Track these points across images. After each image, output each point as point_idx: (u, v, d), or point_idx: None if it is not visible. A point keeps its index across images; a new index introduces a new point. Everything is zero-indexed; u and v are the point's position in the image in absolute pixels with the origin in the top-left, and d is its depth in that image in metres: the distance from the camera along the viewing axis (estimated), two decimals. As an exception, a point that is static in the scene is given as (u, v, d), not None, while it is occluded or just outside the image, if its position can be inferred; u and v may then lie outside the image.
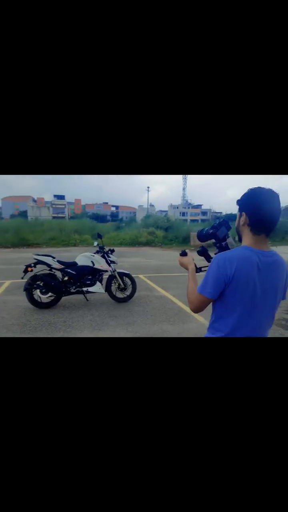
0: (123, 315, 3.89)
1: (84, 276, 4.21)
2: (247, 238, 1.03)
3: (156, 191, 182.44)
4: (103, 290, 4.25)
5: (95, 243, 4.48)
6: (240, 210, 1.03)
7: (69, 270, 4.10)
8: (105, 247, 4.46)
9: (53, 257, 4.12)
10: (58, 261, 4.10)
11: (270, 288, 1.01)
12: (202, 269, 1.20)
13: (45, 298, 4.01)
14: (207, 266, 1.07)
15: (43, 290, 3.96)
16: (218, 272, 0.98)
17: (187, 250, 1.29)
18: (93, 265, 4.21)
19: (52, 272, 4.14)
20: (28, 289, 3.91)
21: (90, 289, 4.16)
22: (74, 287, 4.10)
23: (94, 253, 4.38)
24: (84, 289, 4.14)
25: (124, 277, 4.46)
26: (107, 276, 4.41)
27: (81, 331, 3.28)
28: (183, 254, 1.28)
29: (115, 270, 4.37)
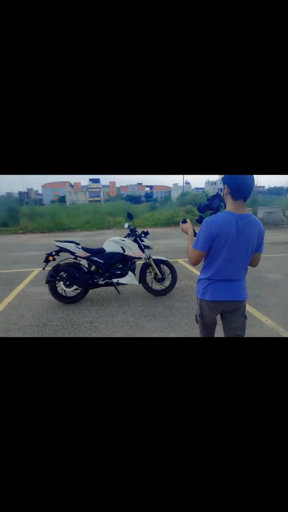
0: (162, 314, 3.15)
1: (114, 264, 3.52)
2: (229, 204, 1.42)
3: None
4: (136, 282, 3.54)
5: (126, 225, 3.73)
6: (224, 183, 1.42)
7: (95, 259, 3.44)
8: (137, 229, 3.68)
9: (77, 244, 3.48)
10: (83, 248, 3.46)
11: (244, 242, 1.42)
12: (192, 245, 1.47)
13: (70, 291, 3.44)
14: None
15: (67, 283, 3.38)
16: (206, 231, 1.40)
17: (187, 219, 1.68)
18: (124, 251, 3.49)
19: (78, 261, 3.52)
20: (51, 281, 3.36)
21: (120, 280, 3.48)
22: (102, 278, 3.45)
23: (125, 237, 3.64)
24: (114, 280, 3.46)
25: (161, 265, 3.68)
26: (141, 264, 3.67)
27: (110, 335, 2.63)
28: (184, 222, 1.68)
29: (150, 257, 3.60)
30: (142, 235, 3.67)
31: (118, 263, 3.54)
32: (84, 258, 3.45)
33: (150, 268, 3.66)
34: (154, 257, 3.66)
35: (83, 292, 3.48)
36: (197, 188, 50.89)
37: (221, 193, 1.51)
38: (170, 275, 3.69)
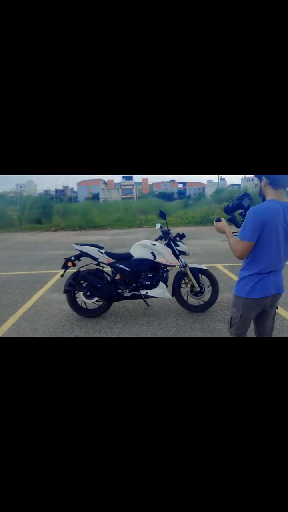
0: (200, 339, 2.51)
1: (142, 273, 2.95)
2: (271, 195, 1.40)
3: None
4: (168, 295, 2.93)
5: (158, 226, 3.13)
6: (259, 177, 1.43)
7: (121, 266, 2.89)
8: (171, 231, 3.05)
9: (100, 248, 2.97)
10: (107, 253, 2.94)
11: None
12: (233, 233, 1.49)
13: (91, 303, 2.94)
14: (237, 232, 1.45)
15: (88, 293, 2.89)
16: (256, 219, 1.34)
17: (221, 217, 1.64)
18: (154, 257, 2.89)
19: (101, 268, 3.02)
20: (69, 291, 2.90)
21: (150, 292, 2.90)
22: (128, 289, 2.90)
23: (156, 240, 3.05)
24: (142, 292, 2.89)
25: (199, 275, 3.02)
26: (175, 274, 3.05)
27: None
28: (218, 220, 1.64)
29: (186, 265, 2.96)
30: (177, 238, 3.04)
31: (148, 272, 2.96)
32: (107, 264, 2.93)
33: (186, 278, 3.03)
34: (191, 265, 3.01)
35: (105, 304, 2.97)
36: (232, 185, 48.42)
37: (256, 187, 1.49)
38: (210, 287, 3.02)
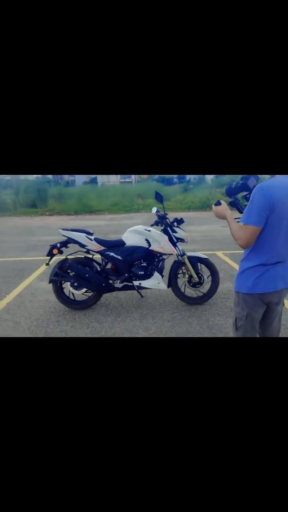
0: (197, 334, 2.28)
1: (135, 262, 2.68)
2: None
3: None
4: (164, 286, 2.68)
5: (154, 210, 2.83)
6: None
7: (112, 254, 2.62)
8: (168, 216, 2.76)
9: (89, 234, 2.68)
10: (97, 240, 2.66)
11: None
12: (236, 219, 1.24)
13: (80, 294, 2.70)
14: (239, 218, 1.20)
15: (75, 284, 2.63)
16: (263, 199, 1.07)
17: (221, 200, 1.36)
18: (149, 245, 2.62)
19: (90, 256, 2.75)
20: (55, 281, 2.64)
21: (144, 283, 2.65)
22: (119, 279, 2.64)
23: (152, 225, 2.76)
24: (135, 283, 2.64)
25: (198, 264, 2.76)
26: (171, 263, 2.79)
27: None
28: (218, 203, 1.36)
29: (183, 254, 2.69)
30: (175, 224, 2.75)
31: (142, 261, 2.69)
32: (97, 252, 2.66)
33: (183, 268, 2.77)
34: (189, 253, 2.74)
35: (95, 296, 2.72)
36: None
37: None
38: (209, 278, 2.77)
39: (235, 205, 1.41)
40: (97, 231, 7.63)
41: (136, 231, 2.66)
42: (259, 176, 1.37)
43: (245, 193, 1.36)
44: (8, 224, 8.98)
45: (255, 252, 1.22)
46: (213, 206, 1.38)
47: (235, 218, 1.28)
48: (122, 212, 12.87)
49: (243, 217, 1.17)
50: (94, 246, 2.62)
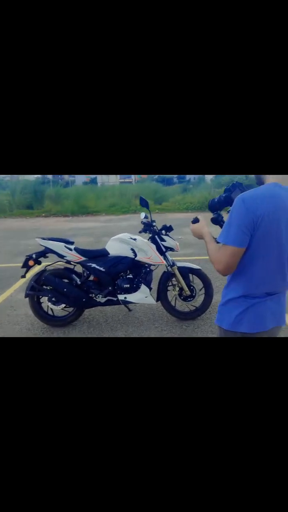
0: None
1: (120, 274, 2.43)
2: (271, 177, 0.90)
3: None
4: (152, 300, 2.43)
5: (142, 215, 2.58)
6: None
7: (94, 265, 2.37)
8: (155, 223, 2.50)
9: (69, 243, 2.44)
10: (77, 250, 2.41)
11: None
12: (217, 239, 1.04)
13: (59, 309, 2.45)
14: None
15: (53, 299, 2.38)
16: (245, 212, 0.85)
17: (199, 217, 1.17)
18: (135, 255, 2.37)
19: (71, 267, 2.50)
20: (31, 296, 2.39)
21: (129, 297, 2.39)
22: (102, 293, 2.39)
23: (140, 232, 2.52)
24: (121, 297, 2.39)
25: (190, 275, 2.51)
26: (161, 274, 2.54)
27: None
28: (195, 221, 1.16)
29: (173, 264, 2.44)
30: (163, 232, 2.50)
31: (127, 272, 2.44)
32: (77, 263, 2.41)
33: (173, 279, 2.52)
34: (179, 263, 2.49)
35: (75, 311, 2.47)
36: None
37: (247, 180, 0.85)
38: (202, 290, 2.52)
39: (218, 222, 1.15)
40: (91, 233, 7.43)
41: (121, 240, 2.41)
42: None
43: (229, 208, 1.13)
44: (2, 226, 8.76)
45: (237, 280, 0.96)
46: (190, 224, 1.15)
47: (216, 238, 1.05)
48: (119, 213, 12.64)
49: (220, 235, 0.92)
50: (73, 256, 2.37)
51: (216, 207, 1.19)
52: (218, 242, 0.98)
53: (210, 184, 18.35)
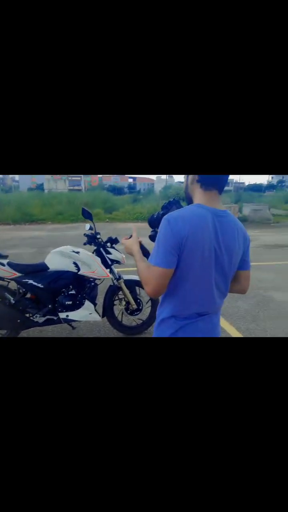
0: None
1: (62, 290, 2.24)
2: (199, 196, 0.92)
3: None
4: (97, 316, 2.30)
5: (87, 227, 2.45)
6: None
7: (31, 282, 2.14)
8: (100, 235, 2.40)
9: (2, 257, 2.16)
10: (11, 265, 2.15)
11: (226, 251, 0.89)
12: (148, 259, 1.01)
13: (-11, 333, 2.13)
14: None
15: (-19, 321, 2.07)
16: (170, 234, 0.84)
17: (134, 232, 1.10)
18: (78, 269, 2.22)
19: (5, 285, 2.22)
20: None
21: (72, 315, 2.22)
22: (41, 313, 2.17)
23: (85, 244, 2.38)
24: (62, 315, 2.20)
25: (136, 288, 2.46)
26: (107, 288, 2.43)
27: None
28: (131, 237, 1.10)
29: (120, 277, 2.36)
30: (108, 244, 2.41)
31: (69, 288, 2.27)
32: (12, 280, 2.15)
33: (119, 293, 2.43)
34: (126, 276, 2.42)
35: (9, 334, 2.19)
36: (180, 182, 49.91)
37: (184, 188, 1.00)
38: (149, 303, 2.49)
39: (154, 239, 1.13)
40: (34, 243, 6.89)
41: (62, 253, 2.24)
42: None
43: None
44: None
45: (168, 300, 0.93)
46: (122, 240, 1.10)
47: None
48: (67, 222, 12.13)
49: (150, 256, 0.90)
50: (6, 272, 2.11)
51: (155, 223, 1.17)
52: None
53: (159, 195, 19.08)
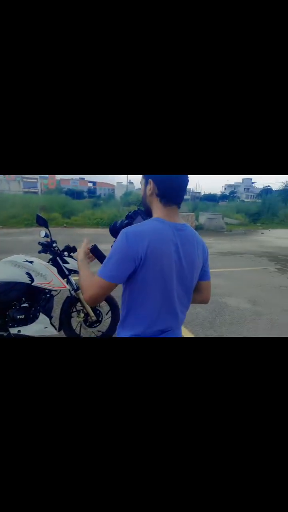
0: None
1: (13, 303, 2.05)
2: (158, 210, 0.90)
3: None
4: (53, 330, 2.15)
5: (42, 234, 2.29)
6: (146, 177, 0.90)
7: (-25, 295, 1.91)
8: (56, 244, 2.26)
9: None
10: None
11: (187, 265, 0.89)
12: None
13: None
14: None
15: None
16: (127, 249, 0.81)
17: (85, 241, 1.08)
18: (32, 280, 2.05)
19: None
20: None
21: (25, 330, 2.04)
22: (-12, 329, 1.94)
23: (40, 252, 2.22)
24: (13, 331, 2.01)
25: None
26: (64, 299, 2.29)
27: None
28: (92, 248, 1.07)
29: (78, 288, 2.25)
30: (65, 253, 2.29)
31: (22, 300, 2.08)
32: None
33: (78, 304, 2.31)
34: (84, 287, 2.31)
35: None
36: (139, 188, 50.63)
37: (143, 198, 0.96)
38: (109, 314, 2.41)
39: (95, 251, 1.08)
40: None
41: (13, 263, 2.05)
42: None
43: None
44: None
45: (130, 318, 0.90)
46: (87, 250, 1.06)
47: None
48: (21, 226, 11.37)
49: (101, 267, 0.88)
50: None
51: (117, 232, 1.13)
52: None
53: (120, 201, 19.08)
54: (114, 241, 1.13)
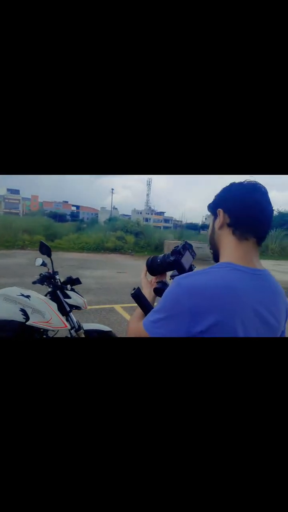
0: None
1: (1, 347, 1.67)
2: (229, 249, 0.67)
3: (119, 195, 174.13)
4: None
5: (38, 262, 1.99)
6: (215, 208, 0.71)
7: None
8: (58, 276, 1.96)
9: None
10: None
11: (264, 331, 0.66)
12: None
13: None
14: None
15: None
16: (180, 307, 0.60)
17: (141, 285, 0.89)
18: (26, 318, 1.71)
19: None
20: None
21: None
22: None
23: (35, 283, 1.90)
24: None
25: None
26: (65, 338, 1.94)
27: None
28: (136, 292, 0.85)
29: (79, 328, 1.92)
30: (68, 287, 1.98)
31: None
32: None
33: (77, 346, 1.97)
34: (87, 326, 1.99)
35: None
36: (123, 215, 51.37)
37: (207, 229, 0.81)
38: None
39: (159, 293, 0.85)
40: None
41: (6, 297, 1.71)
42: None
43: (177, 273, 0.85)
44: None
45: None
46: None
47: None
48: (1, 249, 10.75)
49: (149, 314, 0.71)
50: None
51: (158, 270, 0.89)
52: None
53: (105, 226, 18.94)
54: (157, 282, 0.89)
